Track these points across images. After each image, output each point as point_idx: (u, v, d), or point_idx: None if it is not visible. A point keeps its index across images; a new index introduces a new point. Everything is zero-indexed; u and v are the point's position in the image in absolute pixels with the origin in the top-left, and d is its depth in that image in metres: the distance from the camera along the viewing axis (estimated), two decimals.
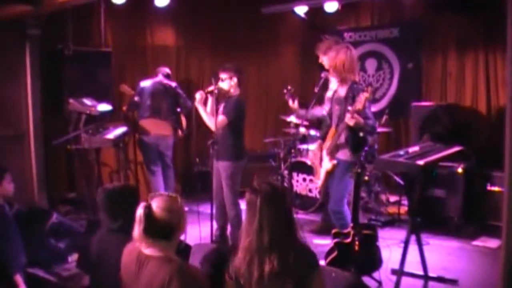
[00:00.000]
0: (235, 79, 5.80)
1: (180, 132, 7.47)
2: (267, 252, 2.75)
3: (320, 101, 6.08)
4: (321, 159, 5.42)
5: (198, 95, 5.66)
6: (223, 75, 5.75)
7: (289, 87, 6.14)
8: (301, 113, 6.10)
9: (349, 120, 4.90)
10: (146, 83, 7.18)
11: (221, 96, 5.80)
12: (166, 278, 2.66)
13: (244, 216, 2.92)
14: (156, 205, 2.82)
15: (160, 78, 7.26)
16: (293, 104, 6.08)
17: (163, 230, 2.80)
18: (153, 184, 7.21)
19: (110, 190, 3.58)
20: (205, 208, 5.66)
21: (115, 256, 3.12)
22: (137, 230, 2.81)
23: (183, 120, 7.49)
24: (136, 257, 2.85)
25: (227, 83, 5.75)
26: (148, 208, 2.79)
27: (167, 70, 7.46)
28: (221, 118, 5.64)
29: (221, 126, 5.63)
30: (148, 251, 2.83)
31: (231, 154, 5.74)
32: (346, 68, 5.19)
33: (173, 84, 7.33)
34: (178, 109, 7.33)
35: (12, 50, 6.45)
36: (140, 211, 2.80)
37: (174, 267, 2.73)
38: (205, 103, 5.77)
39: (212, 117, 5.67)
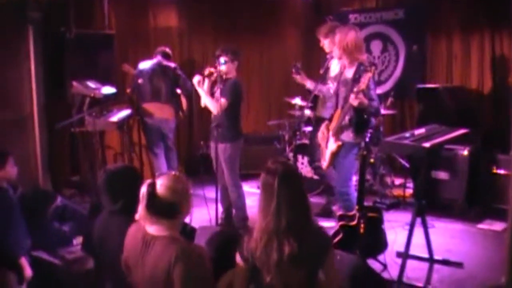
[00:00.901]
0: (236, 62, 5.80)
1: (181, 114, 7.42)
2: (286, 234, 2.73)
3: (324, 83, 6.09)
4: (328, 140, 5.40)
5: (196, 79, 5.66)
6: (223, 58, 5.69)
7: (297, 64, 6.12)
8: (309, 85, 6.08)
9: (353, 100, 4.88)
10: (144, 65, 7.09)
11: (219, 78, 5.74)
12: (172, 258, 2.67)
13: (259, 198, 2.89)
14: (160, 183, 2.83)
15: (158, 59, 7.14)
16: (302, 78, 6.06)
17: (165, 208, 2.81)
18: (156, 166, 7.21)
19: (111, 171, 3.57)
20: (209, 191, 5.66)
21: (117, 238, 3.12)
22: (140, 207, 2.83)
23: (183, 102, 7.41)
24: (142, 237, 2.86)
25: (227, 66, 5.70)
26: (152, 186, 2.81)
27: (166, 49, 7.29)
28: (222, 101, 5.62)
29: (222, 108, 5.62)
30: (152, 229, 2.84)
31: (228, 136, 5.74)
32: (358, 48, 5.17)
33: (172, 64, 7.19)
34: (178, 91, 7.26)
35: (14, 33, 6.41)
36: (144, 189, 2.82)
37: (180, 247, 2.73)
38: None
39: (214, 100, 5.65)
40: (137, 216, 2.86)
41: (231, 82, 5.76)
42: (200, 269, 2.73)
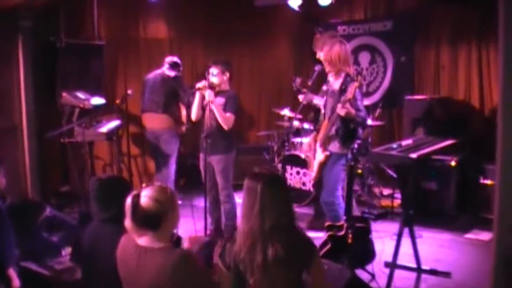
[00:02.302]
0: (227, 74, 5.81)
1: (182, 127, 7.34)
2: (269, 236, 2.76)
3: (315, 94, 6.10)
4: (315, 151, 5.44)
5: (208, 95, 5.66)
6: (214, 70, 5.72)
7: (297, 79, 6.11)
8: (315, 101, 6.03)
9: (340, 110, 4.92)
10: (149, 75, 7.15)
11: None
12: (170, 268, 2.69)
13: (242, 203, 2.92)
14: (144, 194, 2.84)
15: (162, 69, 7.13)
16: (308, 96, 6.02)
17: (149, 219, 2.82)
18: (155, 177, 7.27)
19: (102, 180, 3.59)
20: (199, 202, 5.66)
21: (107, 246, 3.13)
22: (127, 219, 2.86)
23: (183, 113, 7.27)
24: (134, 249, 2.86)
25: (218, 77, 5.73)
26: (136, 197, 2.84)
27: (173, 59, 7.24)
28: (229, 115, 5.69)
29: (232, 123, 5.72)
30: (142, 241, 2.85)
31: (224, 147, 5.77)
32: (342, 60, 5.23)
33: (172, 74, 7.12)
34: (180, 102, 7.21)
35: (4, 42, 6.41)
36: (128, 200, 2.85)
37: (177, 255, 2.76)
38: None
39: (224, 114, 5.68)
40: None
41: (232, 95, 5.82)
42: (201, 272, 2.79)
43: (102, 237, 3.34)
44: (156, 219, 2.83)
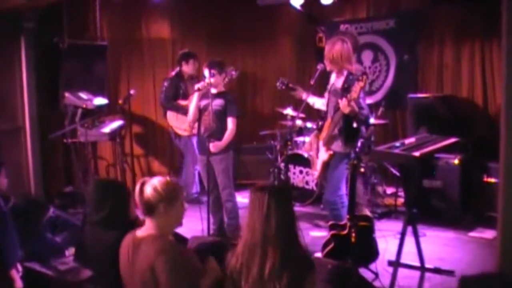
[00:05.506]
0: (223, 75, 5.87)
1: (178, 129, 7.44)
2: (271, 245, 2.73)
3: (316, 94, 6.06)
4: (317, 150, 5.43)
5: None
6: (212, 71, 5.71)
7: (283, 80, 6.01)
8: (304, 97, 5.91)
9: (344, 107, 4.89)
10: None
11: (207, 90, 5.77)
12: (153, 254, 2.77)
13: (247, 214, 2.88)
14: (149, 182, 2.97)
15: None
16: (299, 92, 5.96)
17: (145, 204, 2.93)
18: None
19: (96, 183, 3.64)
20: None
21: (96, 249, 3.18)
22: None
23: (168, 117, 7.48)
24: (131, 242, 2.95)
25: (216, 78, 5.73)
26: (142, 184, 2.97)
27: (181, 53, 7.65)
28: (233, 120, 5.78)
29: (235, 128, 5.81)
30: (141, 231, 2.96)
31: (224, 147, 5.79)
32: (344, 58, 5.20)
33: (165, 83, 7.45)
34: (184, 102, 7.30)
35: (7, 43, 6.43)
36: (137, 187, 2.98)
37: (160, 242, 2.85)
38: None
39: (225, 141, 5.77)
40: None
41: (231, 98, 5.86)
42: (182, 262, 2.82)
43: (93, 239, 3.38)
44: (150, 205, 2.92)
